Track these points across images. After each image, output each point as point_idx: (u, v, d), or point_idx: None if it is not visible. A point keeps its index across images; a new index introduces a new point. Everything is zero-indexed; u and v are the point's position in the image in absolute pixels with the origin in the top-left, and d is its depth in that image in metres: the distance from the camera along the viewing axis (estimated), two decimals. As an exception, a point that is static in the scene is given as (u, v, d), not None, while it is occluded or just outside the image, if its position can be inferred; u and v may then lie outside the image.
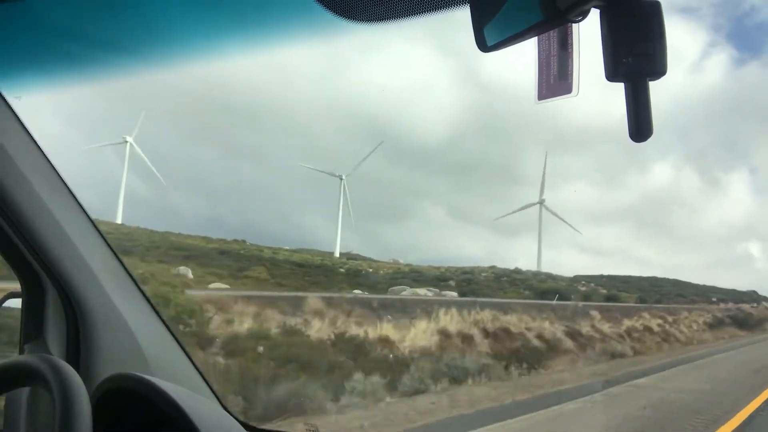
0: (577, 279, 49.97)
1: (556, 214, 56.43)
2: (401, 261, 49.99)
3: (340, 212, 54.77)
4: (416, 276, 40.73)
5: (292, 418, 8.94)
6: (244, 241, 44.81)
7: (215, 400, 1.72)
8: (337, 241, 53.75)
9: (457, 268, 46.44)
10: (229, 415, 1.45)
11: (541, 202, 56.45)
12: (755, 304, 50.60)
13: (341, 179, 54.20)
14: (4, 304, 1.81)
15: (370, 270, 42.97)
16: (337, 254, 51.50)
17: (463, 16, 0.89)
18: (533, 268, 54.24)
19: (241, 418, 1.55)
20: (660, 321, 30.27)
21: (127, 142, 46.94)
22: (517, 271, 47.99)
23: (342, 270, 40.02)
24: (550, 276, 49.19)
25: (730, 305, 47.19)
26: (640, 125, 0.77)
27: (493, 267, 47.87)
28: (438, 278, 40.59)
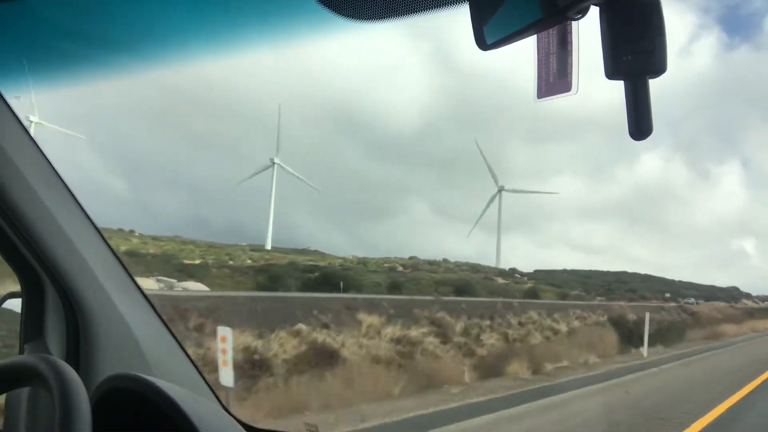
0: (511, 272, 46.80)
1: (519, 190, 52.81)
2: (358, 256, 46.57)
3: (272, 201, 49.33)
4: (281, 266, 36.02)
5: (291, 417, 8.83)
6: (131, 232, 42.75)
7: (215, 400, 1.72)
8: (269, 231, 48.76)
9: (356, 257, 43.67)
10: (228, 415, 1.45)
11: (500, 189, 52.46)
12: (697, 301, 46.82)
13: (273, 164, 48.71)
14: (4, 304, 1.81)
15: (231, 262, 38.16)
16: (268, 246, 46.92)
17: (453, 12, 0.89)
18: (525, 266, 52.32)
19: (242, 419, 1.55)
20: (426, 332, 15.61)
21: (31, 122, 40.28)
22: (433, 262, 44.55)
23: (196, 262, 35.72)
24: (477, 268, 45.43)
25: (687, 301, 43.69)
26: (640, 124, 0.77)
27: (413, 258, 44.82)
28: (303, 270, 35.78)
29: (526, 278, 45.22)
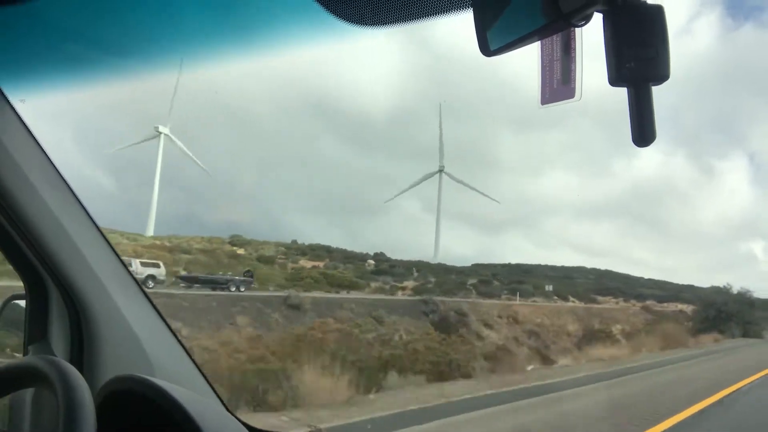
0: (365, 257, 42.66)
1: (461, 182, 48.11)
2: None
3: (157, 178, 42.78)
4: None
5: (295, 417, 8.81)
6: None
7: (218, 402, 1.72)
8: (152, 216, 42.74)
9: (195, 237, 40.72)
10: (232, 416, 1.45)
11: (441, 170, 48.15)
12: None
13: (159, 135, 42.15)
14: (7, 306, 1.81)
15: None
16: (150, 233, 41.57)
17: (457, 18, 0.90)
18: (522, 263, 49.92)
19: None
20: None
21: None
22: (286, 244, 40.98)
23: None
24: (352, 256, 41.43)
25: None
26: (643, 130, 0.77)
27: (275, 242, 41.36)
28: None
29: (372, 263, 40.95)
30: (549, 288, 41.02)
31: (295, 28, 1.17)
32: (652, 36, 0.76)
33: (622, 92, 0.78)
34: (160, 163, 43.04)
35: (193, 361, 1.75)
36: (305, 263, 37.81)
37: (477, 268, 46.01)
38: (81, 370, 1.17)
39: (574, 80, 0.85)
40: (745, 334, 34.67)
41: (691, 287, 51.76)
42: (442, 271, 41.99)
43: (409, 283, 36.16)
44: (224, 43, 1.34)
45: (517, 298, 36.30)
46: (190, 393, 1.23)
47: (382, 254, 44.92)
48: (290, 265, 36.47)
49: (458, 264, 45.77)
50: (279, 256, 38.08)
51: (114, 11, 1.28)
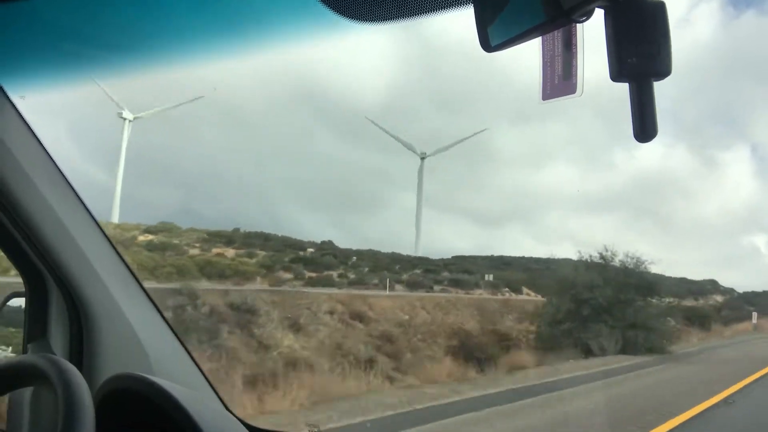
0: (318, 247, 39.70)
1: (445, 147, 44.73)
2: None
3: (121, 165, 39.55)
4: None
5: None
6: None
7: (218, 400, 1.72)
8: (116, 204, 39.27)
9: (120, 224, 37.00)
10: (231, 415, 1.45)
11: (423, 157, 44.60)
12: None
13: (125, 120, 38.20)
14: (7, 304, 1.81)
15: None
16: (115, 221, 37.91)
17: (457, 14, 0.89)
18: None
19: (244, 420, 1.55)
20: None
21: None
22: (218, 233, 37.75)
23: None
24: (292, 244, 38.33)
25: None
26: (645, 125, 0.77)
27: (216, 231, 38.11)
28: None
29: (311, 251, 38.22)
30: (489, 278, 33.80)
31: (291, 23, 1.17)
32: (653, 32, 0.76)
33: (623, 84, 0.78)
34: (125, 149, 40.31)
35: (193, 359, 1.74)
36: (221, 251, 34.67)
37: (457, 260, 43.57)
38: (80, 369, 1.17)
39: (576, 76, 0.84)
40: (627, 348, 18.36)
41: (683, 280, 47.30)
42: (390, 261, 39.12)
43: (329, 273, 32.72)
44: (219, 39, 1.34)
45: (485, 289, 33.39)
46: (190, 391, 1.23)
47: (329, 243, 41.84)
48: (190, 252, 33.66)
49: (440, 257, 44.18)
50: (190, 244, 35.28)
51: (113, 9, 1.28)
